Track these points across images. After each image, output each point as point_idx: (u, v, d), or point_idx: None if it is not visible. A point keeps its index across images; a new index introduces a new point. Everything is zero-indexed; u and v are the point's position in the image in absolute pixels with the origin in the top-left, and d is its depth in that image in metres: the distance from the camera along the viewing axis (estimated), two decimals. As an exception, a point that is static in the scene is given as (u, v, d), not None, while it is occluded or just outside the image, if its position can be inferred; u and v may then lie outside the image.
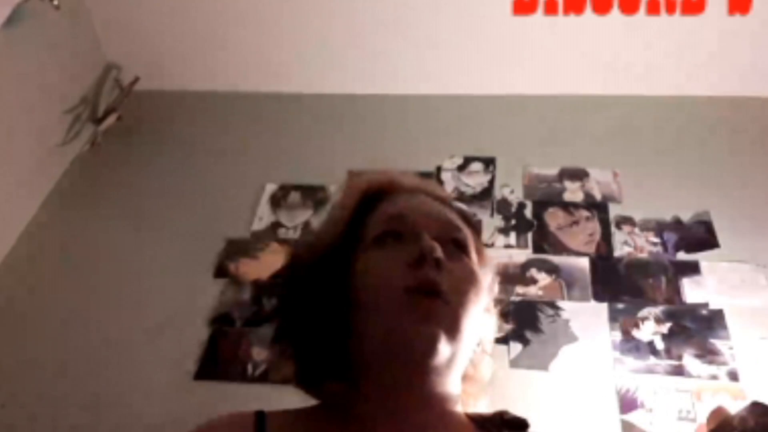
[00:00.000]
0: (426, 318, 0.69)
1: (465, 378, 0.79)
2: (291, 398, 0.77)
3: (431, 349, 0.68)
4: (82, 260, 2.02)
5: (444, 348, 0.69)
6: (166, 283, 1.91)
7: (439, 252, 0.71)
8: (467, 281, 0.74)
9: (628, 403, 1.57)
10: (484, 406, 0.83)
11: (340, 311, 0.74)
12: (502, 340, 1.69)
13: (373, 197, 0.80)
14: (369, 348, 0.73)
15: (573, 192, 2.09)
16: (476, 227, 0.84)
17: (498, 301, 0.86)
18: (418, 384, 0.72)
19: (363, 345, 0.74)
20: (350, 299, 0.74)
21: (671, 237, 1.93)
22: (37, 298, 1.93)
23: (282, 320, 0.83)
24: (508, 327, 0.94)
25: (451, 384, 0.75)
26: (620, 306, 1.76)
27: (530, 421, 0.77)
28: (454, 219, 0.79)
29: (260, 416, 0.76)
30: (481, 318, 0.77)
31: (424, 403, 0.72)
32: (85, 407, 1.65)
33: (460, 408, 0.77)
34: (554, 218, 2.03)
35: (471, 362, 0.79)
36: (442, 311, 0.70)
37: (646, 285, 1.81)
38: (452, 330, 0.70)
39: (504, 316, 0.89)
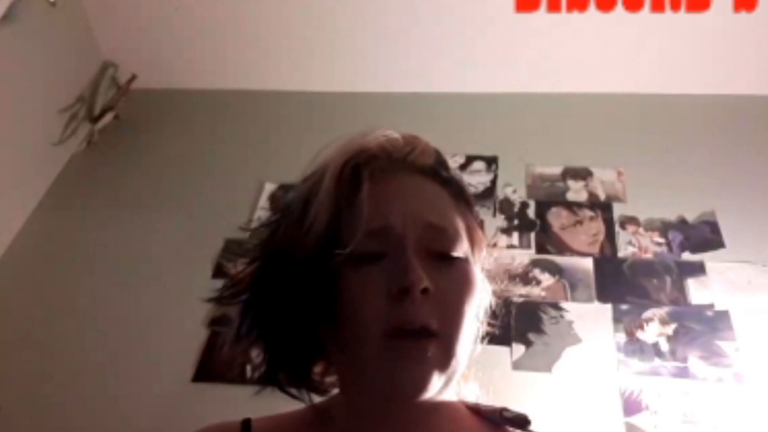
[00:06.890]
0: (411, 362, 0.61)
1: None
2: (291, 400, 0.74)
3: (420, 389, 0.62)
4: (78, 259, 2.01)
5: (436, 382, 0.62)
6: (163, 284, 1.89)
7: (425, 282, 0.61)
8: (459, 290, 0.65)
9: (632, 406, 1.55)
10: (474, 387, 0.78)
11: (314, 326, 0.68)
12: (505, 342, 1.69)
13: (354, 175, 0.68)
14: (346, 377, 0.69)
15: (576, 191, 2.07)
16: (469, 202, 0.73)
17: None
18: (405, 412, 0.67)
19: (339, 370, 0.70)
20: (331, 318, 0.65)
21: (676, 237, 1.91)
22: (34, 298, 1.91)
23: (253, 315, 0.74)
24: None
25: (448, 392, 0.69)
26: (624, 307, 1.74)
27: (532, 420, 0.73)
28: (444, 219, 0.68)
29: (246, 424, 0.73)
30: (476, 308, 0.68)
31: (415, 417, 0.67)
32: (83, 409, 1.64)
33: (455, 395, 0.71)
34: (557, 218, 2.00)
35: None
36: (431, 348, 0.62)
37: (651, 286, 1.79)
38: (445, 360, 0.63)
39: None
